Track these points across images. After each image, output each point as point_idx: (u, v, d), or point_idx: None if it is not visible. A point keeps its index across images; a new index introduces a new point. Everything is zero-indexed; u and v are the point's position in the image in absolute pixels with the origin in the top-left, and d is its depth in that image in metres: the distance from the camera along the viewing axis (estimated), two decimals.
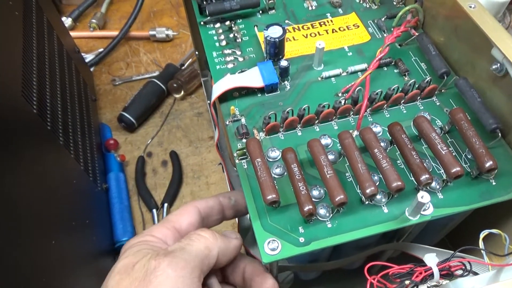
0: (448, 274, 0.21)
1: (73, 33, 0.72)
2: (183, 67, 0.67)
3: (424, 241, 0.35)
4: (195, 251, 0.23)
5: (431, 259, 0.22)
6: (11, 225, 0.26)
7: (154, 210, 0.53)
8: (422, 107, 0.32)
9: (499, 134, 0.28)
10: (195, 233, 0.25)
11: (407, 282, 0.20)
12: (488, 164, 0.26)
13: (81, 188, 0.42)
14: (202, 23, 0.39)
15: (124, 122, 0.61)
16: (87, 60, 0.69)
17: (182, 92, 0.64)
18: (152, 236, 0.25)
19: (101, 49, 0.72)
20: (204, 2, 0.38)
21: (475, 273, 0.22)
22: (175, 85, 0.63)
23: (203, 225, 0.29)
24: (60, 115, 0.40)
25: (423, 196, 0.24)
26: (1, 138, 0.26)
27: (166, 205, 0.53)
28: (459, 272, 0.21)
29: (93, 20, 0.76)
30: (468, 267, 0.21)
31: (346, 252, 0.35)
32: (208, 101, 0.56)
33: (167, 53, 0.73)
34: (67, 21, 0.76)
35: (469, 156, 0.29)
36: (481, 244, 0.25)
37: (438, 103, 0.32)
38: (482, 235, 0.26)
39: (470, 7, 0.29)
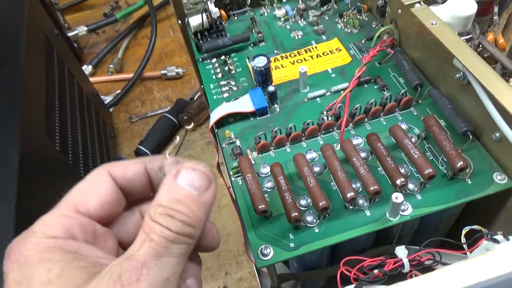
0: (418, 264, 0.23)
1: (92, 79, 0.79)
2: (192, 101, 0.72)
3: (422, 243, 0.36)
4: (171, 266, 0.17)
5: (401, 251, 0.24)
6: None
7: None
8: (400, 118, 0.35)
9: (470, 136, 0.31)
10: (166, 238, 0.16)
11: (376, 271, 0.22)
12: (459, 164, 0.28)
13: None
14: (200, 59, 0.44)
15: (140, 155, 0.66)
16: (106, 102, 0.75)
17: (192, 124, 0.69)
18: (47, 237, 0.17)
19: (119, 91, 0.78)
20: (200, 41, 0.43)
21: (445, 264, 0.24)
22: (185, 117, 0.68)
23: (122, 204, 0.20)
24: (81, 152, 0.45)
25: (397, 197, 0.27)
26: (27, 172, 0.31)
27: None
28: (429, 262, 0.23)
29: (111, 66, 0.83)
30: (438, 258, 0.23)
31: (344, 257, 0.37)
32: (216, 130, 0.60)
33: (178, 89, 0.78)
34: (87, 68, 0.83)
35: (445, 160, 0.31)
36: (462, 239, 0.27)
37: (415, 113, 0.35)
38: (464, 231, 0.27)
39: (432, 24, 0.33)
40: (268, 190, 0.32)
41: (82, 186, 0.19)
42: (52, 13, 0.76)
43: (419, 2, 0.35)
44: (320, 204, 0.28)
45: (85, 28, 0.84)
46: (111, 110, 0.76)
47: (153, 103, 0.77)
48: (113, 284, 0.15)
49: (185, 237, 0.17)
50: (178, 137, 0.68)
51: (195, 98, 0.73)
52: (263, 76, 0.37)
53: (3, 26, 0.42)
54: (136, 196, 0.21)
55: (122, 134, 0.72)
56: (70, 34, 0.83)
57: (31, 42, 0.41)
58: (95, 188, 0.19)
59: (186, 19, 0.45)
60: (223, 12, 0.45)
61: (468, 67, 0.29)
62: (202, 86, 0.61)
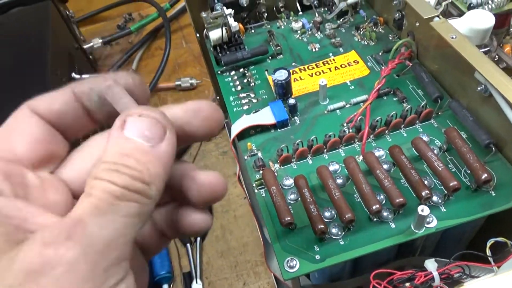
0: (448, 277, 0.23)
1: None
2: None
3: (444, 254, 0.36)
4: (119, 223, 0.13)
5: (431, 264, 0.24)
6: None
7: (188, 245, 0.57)
8: (421, 130, 0.35)
9: (493, 148, 0.31)
10: (115, 184, 0.13)
11: (407, 284, 0.22)
12: (484, 176, 0.29)
13: None
14: (219, 72, 0.44)
15: None
16: None
17: None
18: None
19: None
20: (220, 54, 0.44)
21: (474, 277, 0.24)
22: None
23: (60, 143, 0.16)
24: None
25: (423, 209, 0.27)
26: None
27: (199, 239, 0.57)
28: (458, 275, 0.23)
29: None
30: (467, 271, 0.23)
31: (366, 269, 0.37)
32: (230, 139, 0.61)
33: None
34: None
35: (468, 171, 0.31)
36: (488, 252, 0.27)
37: (436, 125, 0.35)
38: (489, 243, 0.28)
39: (452, 38, 0.33)
40: (292, 202, 0.32)
41: (1, 129, 0.15)
42: (70, 26, 0.77)
43: (438, 16, 0.35)
44: (346, 216, 0.28)
45: (100, 40, 0.85)
46: None
47: None
48: (36, 247, 0.12)
49: (136, 194, 0.13)
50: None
51: None
52: (284, 89, 0.38)
53: (29, 46, 0.43)
54: (76, 130, 0.17)
55: None
56: (86, 47, 0.84)
57: (55, 60, 0.42)
58: (17, 129, 0.15)
59: (205, 32, 0.46)
60: (240, 25, 0.46)
61: (490, 80, 0.29)
62: (218, 98, 0.62)
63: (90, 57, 0.86)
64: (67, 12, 0.78)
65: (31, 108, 0.15)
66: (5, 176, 0.13)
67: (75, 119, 0.16)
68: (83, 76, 0.13)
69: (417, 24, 0.38)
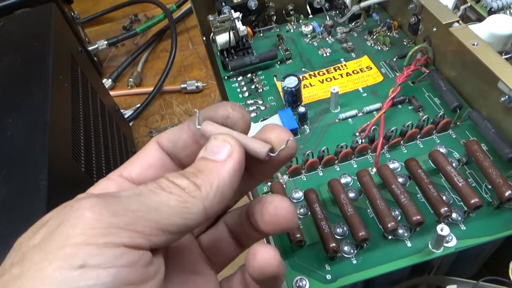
0: None
1: (112, 93, 0.79)
2: None
3: (460, 272, 0.35)
4: (156, 203, 0.15)
5: None
6: None
7: None
8: (438, 141, 0.33)
9: None
10: (168, 179, 0.16)
11: None
12: (508, 193, 0.27)
13: None
14: (226, 77, 0.43)
15: None
16: (126, 116, 0.75)
17: None
18: (87, 196, 0.15)
19: (138, 105, 0.78)
20: (227, 59, 0.42)
21: None
22: None
23: (173, 166, 0.19)
24: (105, 170, 0.45)
25: (443, 229, 0.25)
26: (56, 195, 0.30)
27: None
28: None
29: (130, 79, 0.83)
30: None
31: (378, 286, 0.35)
32: None
33: (197, 103, 0.78)
34: (107, 82, 0.83)
35: (489, 187, 0.30)
36: (511, 275, 0.25)
37: (454, 136, 0.33)
38: (511, 265, 0.26)
39: (473, 44, 0.31)
40: (301, 216, 0.31)
41: (132, 156, 0.19)
42: (74, 28, 0.76)
43: (457, 21, 0.33)
44: (360, 234, 0.27)
45: (105, 42, 0.84)
46: (130, 124, 0.76)
47: (172, 117, 0.76)
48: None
49: (180, 189, 0.16)
50: None
51: None
52: (294, 97, 0.36)
53: (30, 49, 0.42)
54: (186, 155, 0.19)
55: None
56: (90, 48, 0.83)
57: (58, 63, 0.41)
58: (140, 154, 0.19)
59: (212, 36, 0.45)
60: (249, 29, 0.45)
61: None
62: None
63: (95, 58, 0.85)
64: (72, 14, 0.77)
65: (156, 139, 0.19)
66: (118, 188, 0.18)
67: (186, 148, 0.19)
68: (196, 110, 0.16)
69: (435, 29, 0.36)
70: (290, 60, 0.43)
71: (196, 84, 0.78)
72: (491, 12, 0.38)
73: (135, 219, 0.14)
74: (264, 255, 0.17)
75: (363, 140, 0.33)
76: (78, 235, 0.13)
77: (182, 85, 0.79)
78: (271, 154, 0.17)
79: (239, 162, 0.16)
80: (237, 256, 0.21)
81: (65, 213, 0.14)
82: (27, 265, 0.13)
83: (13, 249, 0.15)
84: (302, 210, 0.31)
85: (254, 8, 0.44)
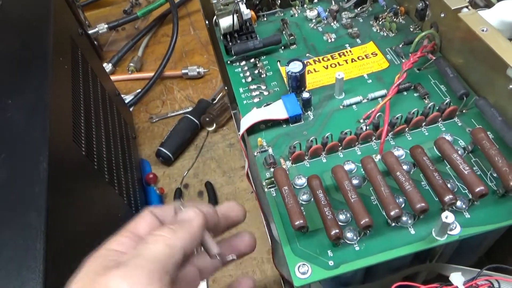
0: None
1: (113, 77, 0.78)
2: (214, 102, 0.71)
3: (461, 261, 0.34)
4: (153, 254, 0.20)
5: (457, 278, 0.22)
6: (65, 259, 0.28)
7: None
8: (444, 129, 0.33)
9: None
10: (150, 234, 0.21)
11: None
12: None
13: (125, 221, 0.45)
14: (228, 62, 0.42)
15: (161, 156, 0.65)
16: (126, 101, 0.74)
17: (214, 125, 0.68)
18: (108, 250, 0.21)
19: (139, 90, 0.77)
20: (230, 43, 0.42)
21: None
22: (207, 119, 0.67)
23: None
24: (105, 155, 0.44)
25: (447, 216, 0.25)
26: (57, 178, 0.30)
27: None
28: None
29: (131, 64, 0.82)
30: (496, 285, 0.22)
31: (379, 274, 0.35)
32: (239, 133, 0.59)
33: (199, 89, 0.77)
34: (107, 67, 0.82)
35: (494, 175, 0.29)
36: None
37: (460, 124, 0.33)
38: None
39: (483, 30, 0.30)
40: (304, 203, 0.30)
41: (133, 219, 0.24)
42: (74, 11, 0.75)
43: (466, 7, 0.33)
44: (363, 221, 0.26)
45: (106, 26, 0.83)
46: (131, 109, 0.75)
47: (173, 103, 0.76)
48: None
49: (160, 237, 0.21)
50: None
51: (217, 99, 0.72)
52: (298, 82, 0.36)
53: (30, 30, 0.41)
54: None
55: (143, 134, 0.71)
56: (91, 32, 0.82)
57: (58, 45, 0.40)
58: (141, 218, 0.23)
59: (215, 19, 0.44)
60: (252, 13, 0.44)
61: None
62: (226, 88, 0.60)
63: (95, 42, 0.84)
64: None
65: (148, 210, 0.24)
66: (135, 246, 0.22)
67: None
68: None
69: (443, 15, 0.36)
70: (294, 45, 0.42)
71: (197, 70, 0.77)
72: None
73: (149, 273, 0.19)
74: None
75: (367, 127, 0.33)
76: None
77: (183, 71, 0.78)
78: (217, 258, 0.23)
79: (203, 219, 0.23)
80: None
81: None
82: None
83: None
84: (305, 197, 0.31)
85: None
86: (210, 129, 0.68)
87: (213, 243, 0.23)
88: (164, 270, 0.19)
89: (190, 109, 0.72)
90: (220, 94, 0.72)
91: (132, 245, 0.21)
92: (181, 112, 0.73)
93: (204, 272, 0.26)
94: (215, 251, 0.23)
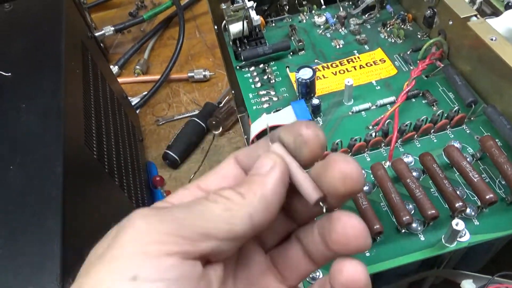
0: None
1: (119, 80, 0.79)
2: (220, 105, 0.72)
3: (468, 266, 0.35)
4: (201, 211, 0.16)
5: (469, 285, 0.22)
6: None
7: None
8: (452, 136, 0.33)
9: None
10: (214, 192, 0.17)
11: None
12: None
13: None
14: (238, 67, 0.43)
15: (168, 159, 0.65)
16: (133, 104, 0.74)
17: (221, 129, 0.68)
18: (164, 202, 0.18)
19: (145, 92, 0.78)
20: (239, 49, 0.42)
21: None
22: (214, 122, 0.67)
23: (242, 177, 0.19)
24: (115, 158, 0.45)
25: (458, 224, 0.25)
26: (72, 182, 0.30)
27: None
28: None
29: (137, 67, 0.83)
30: None
31: (387, 280, 0.36)
32: (245, 136, 0.60)
33: (205, 92, 0.77)
34: (114, 69, 0.83)
35: (503, 182, 0.30)
36: None
37: (468, 131, 0.33)
38: None
39: (492, 39, 0.31)
40: None
41: (211, 170, 0.20)
42: (81, 13, 0.76)
43: (475, 15, 0.33)
44: (375, 228, 0.27)
45: (112, 28, 0.84)
46: (137, 112, 0.76)
47: (179, 106, 0.76)
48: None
49: (224, 198, 0.17)
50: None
51: (223, 103, 0.72)
52: (308, 89, 0.36)
53: (42, 34, 0.41)
54: None
55: (149, 137, 0.72)
56: (97, 34, 0.83)
57: (70, 48, 0.40)
58: (218, 168, 0.19)
59: (224, 25, 0.44)
60: (261, 19, 0.44)
61: None
62: (233, 92, 0.60)
63: (101, 45, 0.85)
64: None
65: (234, 155, 0.19)
66: (193, 198, 0.17)
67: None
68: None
69: (451, 22, 0.36)
70: (303, 51, 0.43)
71: (203, 73, 0.78)
72: (508, 6, 0.38)
73: (182, 225, 0.15)
74: (352, 272, 0.16)
75: (377, 134, 0.33)
76: (129, 244, 0.14)
77: (190, 74, 0.79)
78: (321, 205, 0.16)
79: (282, 173, 0.16)
80: (311, 273, 0.20)
81: (123, 223, 0.15)
82: (89, 276, 0.14)
83: (87, 258, 0.15)
84: None
85: None
86: (217, 132, 0.69)
87: (311, 184, 0.16)
88: (207, 235, 0.15)
89: (196, 112, 0.73)
90: (227, 98, 0.73)
91: (191, 199, 0.18)
92: (187, 115, 0.74)
93: (315, 257, 0.18)
94: (314, 196, 0.16)
